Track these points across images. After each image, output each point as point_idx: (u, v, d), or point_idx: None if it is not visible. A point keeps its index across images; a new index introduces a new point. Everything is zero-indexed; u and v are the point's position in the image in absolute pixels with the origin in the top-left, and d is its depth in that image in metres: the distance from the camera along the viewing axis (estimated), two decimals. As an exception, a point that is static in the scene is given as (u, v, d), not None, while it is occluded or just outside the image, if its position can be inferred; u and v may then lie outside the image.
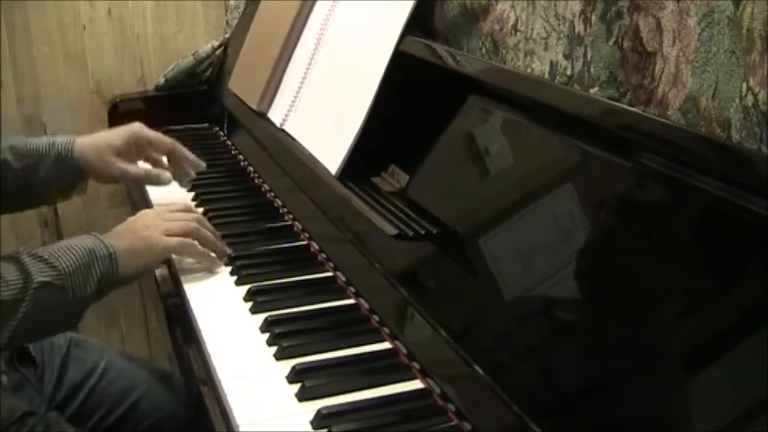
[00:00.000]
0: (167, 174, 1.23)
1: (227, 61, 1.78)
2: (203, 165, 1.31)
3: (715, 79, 0.72)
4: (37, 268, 0.91)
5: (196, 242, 1.06)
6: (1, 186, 1.21)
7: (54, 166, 1.22)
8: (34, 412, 1.01)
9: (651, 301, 0.65)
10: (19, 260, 0.92)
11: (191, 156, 1.30)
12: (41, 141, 1.23)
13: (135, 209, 1.31)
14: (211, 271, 1.07)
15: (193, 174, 1.31)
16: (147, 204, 1.34)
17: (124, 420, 1.17)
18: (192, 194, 1.37)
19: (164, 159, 1.30)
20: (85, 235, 0.99)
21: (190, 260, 1.08)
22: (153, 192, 1.35)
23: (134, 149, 1.26)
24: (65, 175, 1.23)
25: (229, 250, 1.09)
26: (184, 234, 1.05)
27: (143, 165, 1.29)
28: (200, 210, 1.27)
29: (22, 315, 0.89)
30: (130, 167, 1.23)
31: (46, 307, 0.91)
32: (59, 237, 1.95)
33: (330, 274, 1.05)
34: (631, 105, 0.82)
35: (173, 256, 1.07)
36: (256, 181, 1.41)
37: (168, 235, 1.03)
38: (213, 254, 1.08)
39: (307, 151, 1.23)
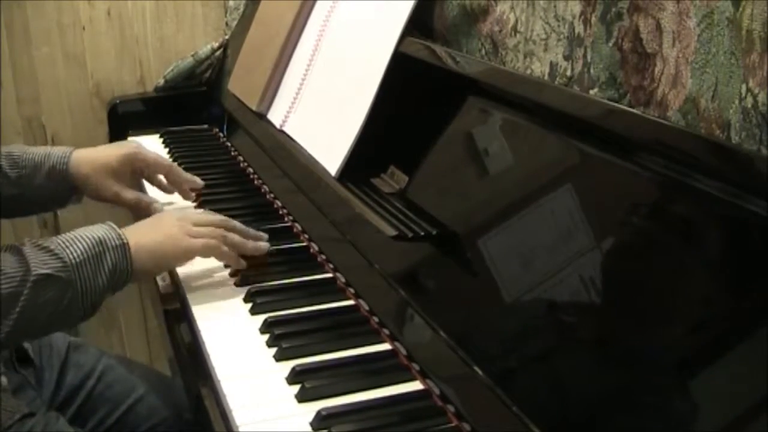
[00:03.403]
0: (158, 204, 1.22)
1: (227, 62, 1.78)
2: (201, 183, 1.31)
3: (715, 81, 0.72)
4: (40, 259, 0.88)
5: (220, 245, 1.02)
6: None
7: (47, 177, 1.21)
8: (34, 413, 1.01)
9: (650, 302, 0.65)
10: (21, 251, 0.89)
11: (188, 176, 1.31)
12: (38, 151, 1.23)
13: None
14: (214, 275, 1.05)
15: (192, 195, 1.32)
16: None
17: (123, 423, 1.17)
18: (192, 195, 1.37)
19: (162, 178, 1.31)
20: (99, 224, 0.96)
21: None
22: (152, 191, 1.34)
23: (129, 170, 1.26)
24: (58, 187, 1.23)
25: (265, 245, 1.06)
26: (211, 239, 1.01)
27: (138, 189, 1.30)
28: (200, 212, 1.27)
29: (20, 309, 0.86)
30: (122, 191, 1.23)
31: (48, 300, 0.88)
32: (58, 237, 1.95)
33: (330, 275, 1.05)
34: (630, 106, 0.82)
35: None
36: (255, 182, 1.40)
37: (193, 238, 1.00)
38: (238, 256, 1.03)
39: (306, 152, 1.22)
